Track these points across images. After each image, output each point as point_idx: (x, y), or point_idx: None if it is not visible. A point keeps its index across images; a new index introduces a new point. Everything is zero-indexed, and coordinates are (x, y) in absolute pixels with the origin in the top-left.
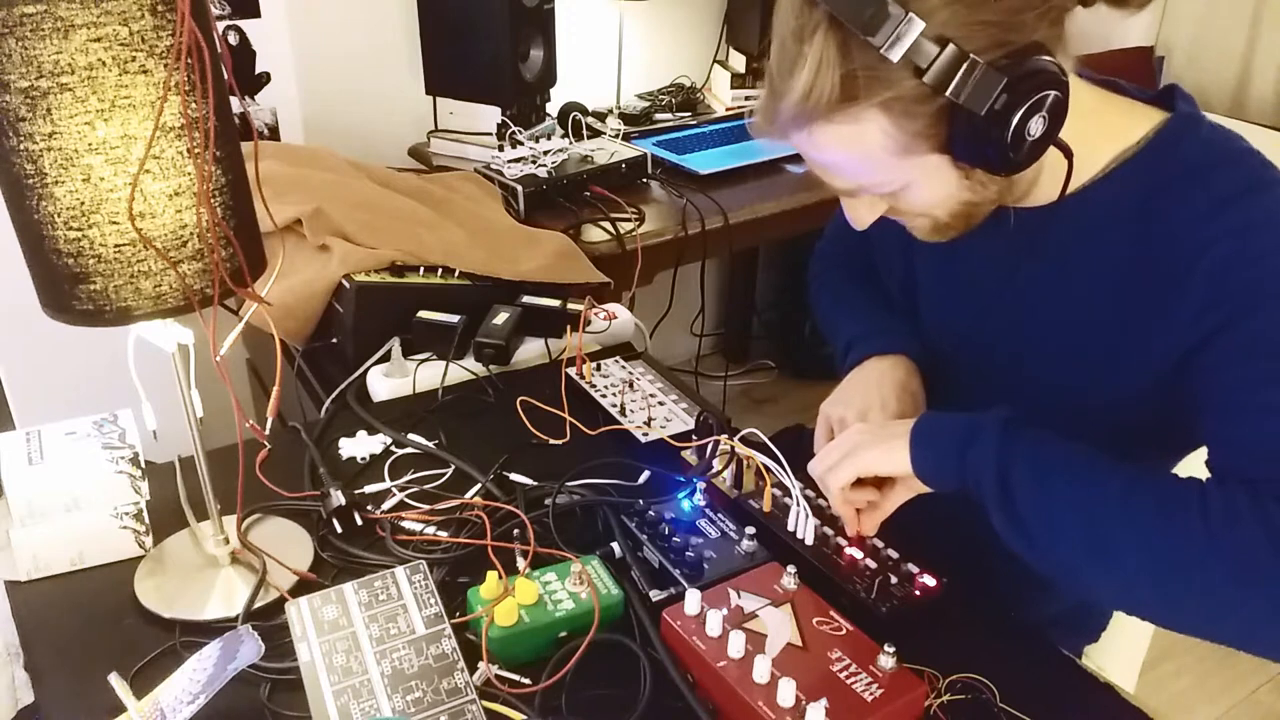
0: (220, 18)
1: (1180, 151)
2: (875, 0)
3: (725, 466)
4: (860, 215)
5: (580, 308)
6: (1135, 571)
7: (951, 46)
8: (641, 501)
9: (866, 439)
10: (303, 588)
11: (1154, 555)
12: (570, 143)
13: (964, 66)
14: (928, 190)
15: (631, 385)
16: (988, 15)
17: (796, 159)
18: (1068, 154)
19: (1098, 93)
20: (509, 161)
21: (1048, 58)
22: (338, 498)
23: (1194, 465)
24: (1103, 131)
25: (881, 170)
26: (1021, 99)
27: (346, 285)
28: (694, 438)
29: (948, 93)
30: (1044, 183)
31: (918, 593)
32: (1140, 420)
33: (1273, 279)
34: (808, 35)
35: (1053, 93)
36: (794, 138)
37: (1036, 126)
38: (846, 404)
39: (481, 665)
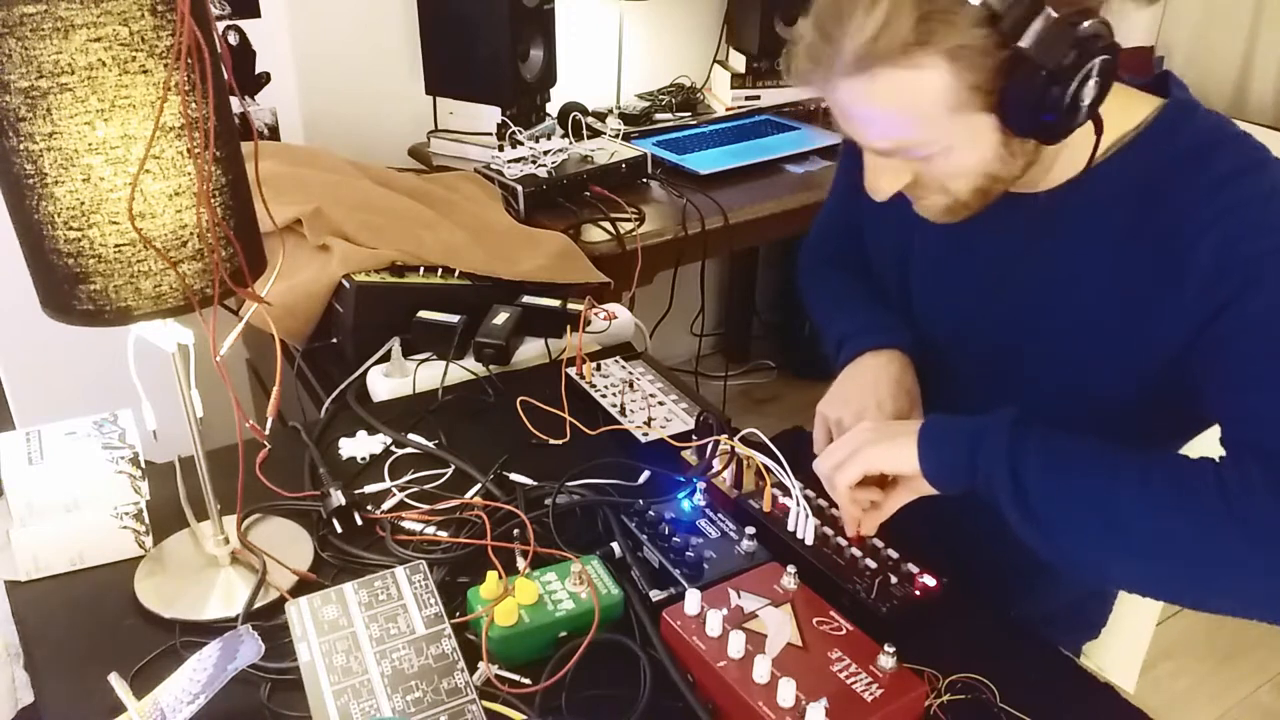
0: (220, 18)
1: (1178, 135)
2: None
3: (725, 466)
4: (883, 183)
5: (580, 308)
6: (1158, 553)
7: None
8: (641, 501)
9: (872, 436)
10: (303, 588)
11: (1175, 535)
12: (570, 143)
13: (1039, 18)
14: (964, 156)
15: (631, 385)
16: None
17: (797, 159)
18: (1099, 126)
19: None
20: (509, 161)
21: (1105, 21)
22: (338, 498)
23: (1197, 449)
24: (1103, 118)
25: (927, 127)
26: (1085, 58)
27: (346, 285)
28: (694, 438)
29: (1019, 43)
30: (1047, 167)
31: (918, 593)
32: (1144, 403)
33: (1275, 254)
34: None
35: (1109, 58)
36: (843, 85)
37: (1089, 92)
38: (843, 405)
39: (481, 665)
